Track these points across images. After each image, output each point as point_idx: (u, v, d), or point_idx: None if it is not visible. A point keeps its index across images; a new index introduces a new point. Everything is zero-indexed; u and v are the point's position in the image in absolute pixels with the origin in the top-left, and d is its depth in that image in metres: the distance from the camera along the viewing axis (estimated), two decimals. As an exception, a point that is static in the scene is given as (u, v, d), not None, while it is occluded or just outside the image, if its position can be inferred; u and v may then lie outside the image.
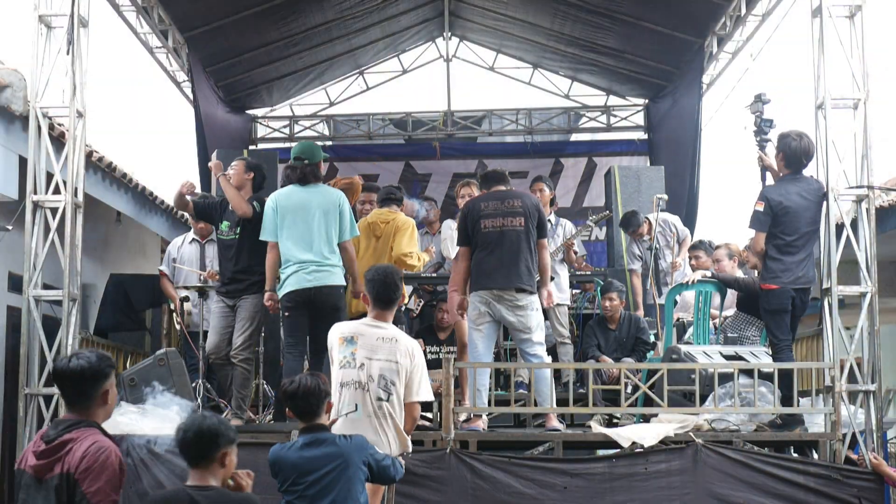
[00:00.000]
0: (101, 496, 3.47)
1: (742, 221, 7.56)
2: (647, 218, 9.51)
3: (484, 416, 7.06)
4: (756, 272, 7.19)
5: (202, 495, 3.62)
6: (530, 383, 6.95)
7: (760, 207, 6.90)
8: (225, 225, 7.28)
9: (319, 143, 14.63)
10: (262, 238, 6.88)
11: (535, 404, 6.95)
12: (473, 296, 6.97)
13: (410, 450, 5.50)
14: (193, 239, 8.60)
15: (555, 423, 7.03)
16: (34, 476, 3.56)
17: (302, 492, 4.55)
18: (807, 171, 7.11)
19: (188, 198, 7.35)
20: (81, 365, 3.58)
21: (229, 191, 7.16)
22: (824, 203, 6.99)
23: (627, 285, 9.71)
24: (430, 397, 5.55)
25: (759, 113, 7.41)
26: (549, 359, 7.16)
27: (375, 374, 5.23)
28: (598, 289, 8.87)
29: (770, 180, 7.37)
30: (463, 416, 7.05)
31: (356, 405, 5.21)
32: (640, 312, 9.45)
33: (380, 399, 5.22)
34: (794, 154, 7.01)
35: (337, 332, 5.44)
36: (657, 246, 9.27)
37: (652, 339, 8.76)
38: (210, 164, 7.67)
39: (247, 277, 7.13)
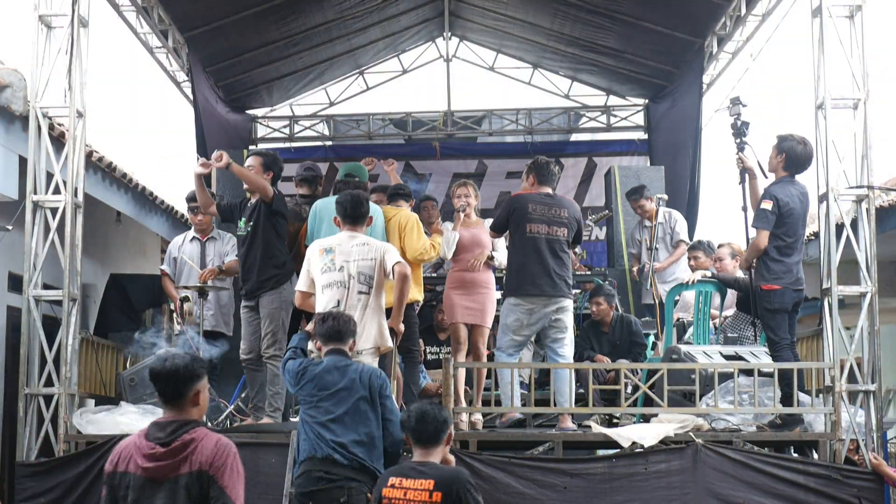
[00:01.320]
0: (238, 490, 3.68)
1: (740, 221, 7.51)
2: (654, 206, 9.47)
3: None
4: (751, 272, 7.15)
5: (419, 470, 4.48)
6: (531, 383, 6.96)
7: (768, 206, 6.87)
8: (241, 222, 7.29)
9: (319, 143, 14.79)
10: (307, 244, 6.94)
11: (555, 404, 7.03)
12: (516, 302, 7.05)
13: (390, 345, 6.08)
14: (194, 237, 8.59)
15: (569, 423, 7.06)
16: (149, 478, 3.66)
17: (316, 403, 5.20)
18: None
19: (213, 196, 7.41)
20: (177, 365, 3.74)
21: (246, 174, 7.16)
22: (812, 206, 7.02)
23: (627, 271, 9.77)
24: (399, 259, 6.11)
25: (737, 115, 7.40)
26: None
27: (355, 272, 6.01)
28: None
29: (747, 182, 7.35)
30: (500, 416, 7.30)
31: (337, 301, 5.89)
32: (636, 275, 9.67)
33: (360, 293, 5.98)
34: (799, 158, 7.00)
35: (316, 245, 6.21)
36: (657, 247, 9.27)
37: (651, 339, 8.76)
38: (215, 156, 7.22)
39: (261, 273, 7.10)
